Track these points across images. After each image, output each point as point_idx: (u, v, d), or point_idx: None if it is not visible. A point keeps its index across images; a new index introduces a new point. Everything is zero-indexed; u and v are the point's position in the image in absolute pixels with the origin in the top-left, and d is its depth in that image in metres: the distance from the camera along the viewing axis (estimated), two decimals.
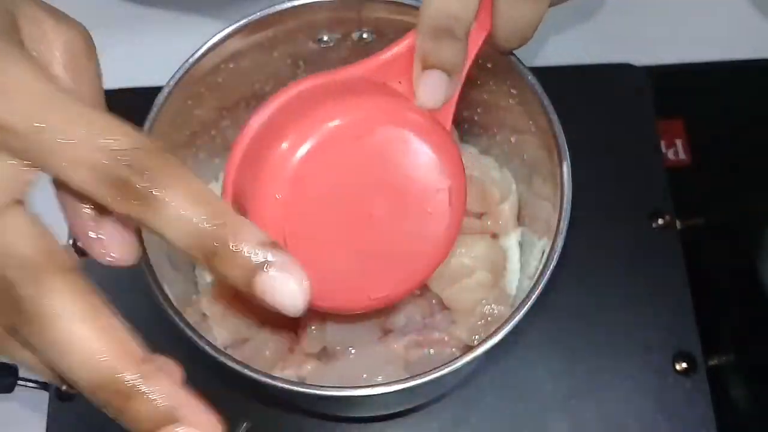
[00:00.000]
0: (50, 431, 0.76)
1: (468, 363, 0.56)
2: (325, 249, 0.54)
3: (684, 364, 0.77)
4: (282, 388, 0.56)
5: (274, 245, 0.39)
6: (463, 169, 0.58)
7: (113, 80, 0.89)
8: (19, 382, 0.76)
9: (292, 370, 0.69)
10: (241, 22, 0.66)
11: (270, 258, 0.39)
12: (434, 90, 0.54)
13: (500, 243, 0.75)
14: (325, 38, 0.71)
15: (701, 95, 0.93)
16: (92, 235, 0.46)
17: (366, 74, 0.57)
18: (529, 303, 0.58)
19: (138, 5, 1.02)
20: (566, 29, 0.99)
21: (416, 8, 0.65)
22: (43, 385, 0.77)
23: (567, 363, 0.78)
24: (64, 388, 0.77)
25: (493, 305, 0.70)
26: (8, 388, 0.76)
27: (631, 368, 0.77)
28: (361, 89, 0.56)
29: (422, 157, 0.54)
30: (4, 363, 0.76)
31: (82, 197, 0.42)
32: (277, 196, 0.51)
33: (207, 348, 0.57)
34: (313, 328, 0.70)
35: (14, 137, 0.37)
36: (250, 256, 0.39)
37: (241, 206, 0.55)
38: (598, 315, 0.79)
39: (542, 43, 0.92)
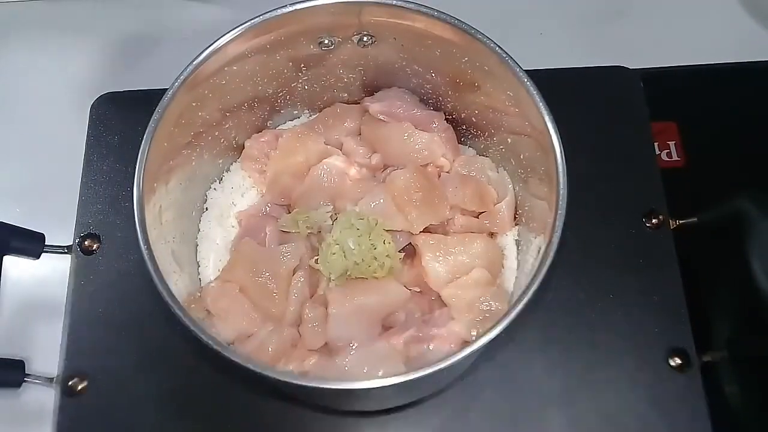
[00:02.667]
0: (57, 426, 0.77)
1: (466, 357, 0.58)
2: None
3: (678, 360, 0.78)
4: (284, 382, 0.58)
5: None
6: None
7: (122, 83, 0.92)
8: (27, 378, 0.77)
9: (295, 365, 0.71)
10: (245, 26, 0.68)
11: None
12: None
13: (497, 241, 0.77)
14: (326, 41, 0.73)
15: (694, 98, 0.94)
16: None
17: None
18: (525, 298, 0.59)
19: (148, 10, 1.04)
20: (562, 33, 1.01)
21: (415, 12, 0.67)
22: (51, 381, 0.78)
23: (563, 359, 0.79)
24: (70, 383, 0.78)
25: (490, 302, 0.71)
26: (16, 384, 0.77)
27: (626, 364, 0.78)
28: None
29: None
30: (13, 359, 0.77)
31: None
32: None
33: (211, 343, 0.58)
34: (315, 324, 0.71)
35: None
36: None
37: None
38: (593, 312, 0.80)
39: (538, 47, 0.93)
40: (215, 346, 0.58)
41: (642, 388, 0.78)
